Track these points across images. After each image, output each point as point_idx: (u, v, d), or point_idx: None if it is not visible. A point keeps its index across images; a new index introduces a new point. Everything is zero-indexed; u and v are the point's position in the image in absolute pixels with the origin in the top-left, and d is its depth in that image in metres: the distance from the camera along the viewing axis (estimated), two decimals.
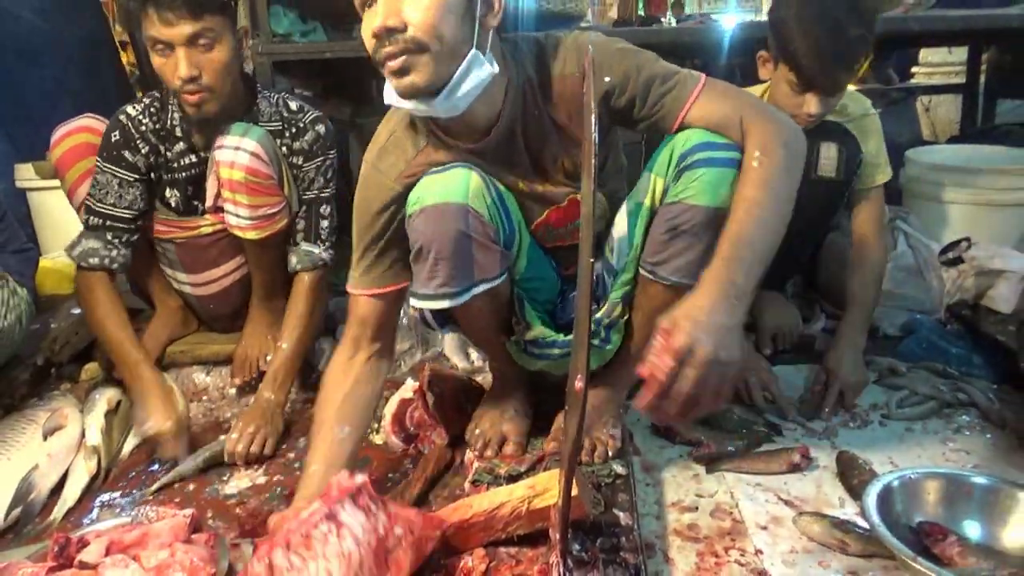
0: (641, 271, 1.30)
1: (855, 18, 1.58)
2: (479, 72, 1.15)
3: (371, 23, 1.10)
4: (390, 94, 1.18)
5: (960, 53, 4.01)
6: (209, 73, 1.58)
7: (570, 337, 1.35)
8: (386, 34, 1.08)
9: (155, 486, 1.46)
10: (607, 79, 1.20)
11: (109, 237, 1.71)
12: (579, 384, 0.70)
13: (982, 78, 3.74)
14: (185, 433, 1.59)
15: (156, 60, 1.59)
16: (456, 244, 1.22)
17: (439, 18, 1.08)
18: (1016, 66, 3.49)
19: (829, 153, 1.75)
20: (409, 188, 1.27)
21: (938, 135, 4.36)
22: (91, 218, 1.72)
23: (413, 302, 1.32)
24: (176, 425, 1.57)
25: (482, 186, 1.24)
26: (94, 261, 1.69)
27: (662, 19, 2.77)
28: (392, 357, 1.47)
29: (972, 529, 1.21)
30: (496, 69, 1.18)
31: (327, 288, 1.87)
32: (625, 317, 1.38)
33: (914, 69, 5.01)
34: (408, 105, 1.17)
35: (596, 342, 1.38)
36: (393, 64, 1.10)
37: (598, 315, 1.37)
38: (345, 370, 1.35)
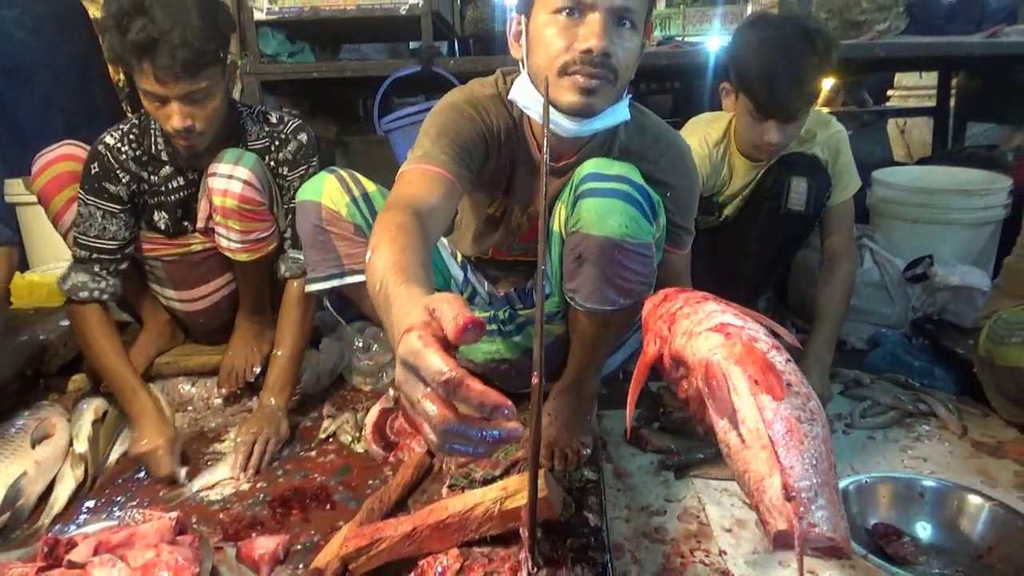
0: (566, 295, 1.38)
1: (810, 49, 1.66)
2: (619, 112, 1.28)
3: (587, 42, 1.16)
4: (525, 95, 1.28)
5: (933, 77, 4.14)
6: (201, 122, 1.60)
7: (488, 314, 1.52)
8: (596, 58, 1.17)
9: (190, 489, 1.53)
10: (668, 194, 1.37)
11: (97, 269, 1.72)
12: (535, 380, 0.76)
13: (952, 102, 3.87)
14: (175, 451, 1.60)
15: (148, 105, 1.59)
16: (314, 235, 1.42)
17: (633, 61, 1.24)
18: (984, 91, 3.62)
19: (799, 188, 1.81)
20: (496, 138, 1.35)
21: (912, 156, 4.48)
22: (78, 251, 1.73)
23: (306, 288, 1.49)
24: (167, 443, 1.59)
25: (339, 187, 1.40)
26: (84, 295, 1.70)
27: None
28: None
29: (923, 530, 1.28)
30: (628, 116, 1.31)
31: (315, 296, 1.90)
32: (561, 331, 1.49)
33: (889, 92, 5.16)
34: (567, 121, 1.23)
35: (510, 328, 1.51)
36: (589, 84, 1.18)
37: (524, 312, 1.51)
38: (417, 223, 1.07)
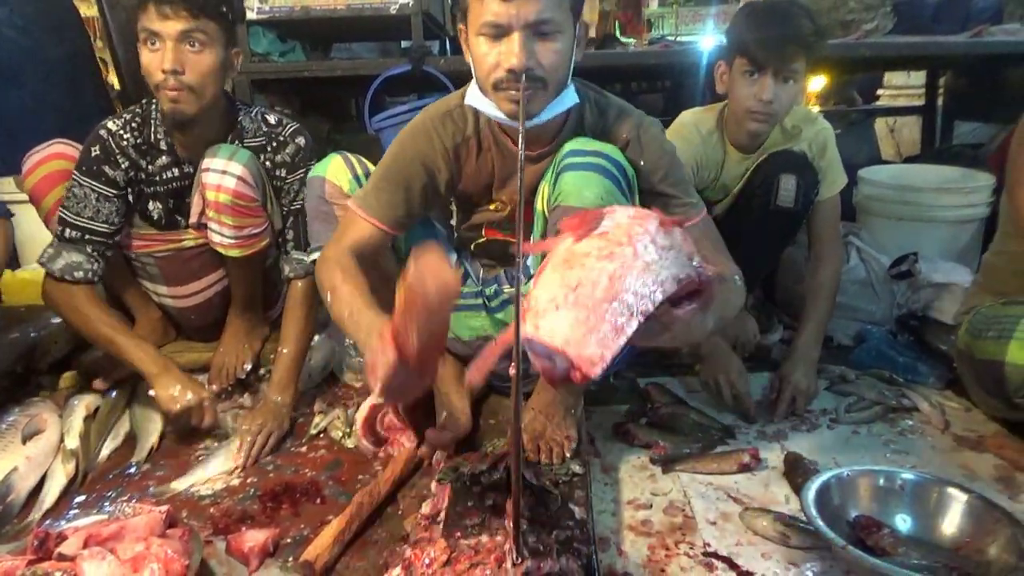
0: None
1: (803, 11, 1.75)
2: (566, 100, 1.34)
3: (509, 62, 1.23)
4: (479, 101, 1.35)
5: (922, 76, 4.18)
6: (192, 72, 1.61)
7: (476, 289, 1.56)
8: (520, 75, 1.23)
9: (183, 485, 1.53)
10: (642, 163, 1.41)
11: (89, 250, 1.72)
12: (512, 371, 0.79)
13: (940, 101, 3.91)
14: (227, 399, 1.70)
15: (145, 56, 1.62)
16: (318, 207, 1.55)
17: (563, 61, 1.28)
18: (971, 90, 3.66)
19: (788, 185, 1.83)
20: (444, 158, 1.45)
21: (902, 154, 4.52)
22: (67, 231, 1.71)
23: (310, 258, 1.58)
24: (208, 393, 1.66)
25: (344, 165, 1.53)
26: (79, 275, 1.70)
27: (623, 39, 2.88)
28: None
29: (903, 522, 1.30)
30: (577, 99, 1.37)
31: (318, 294, 1.91)
32: None
33: (879, 91, 5.20)
34: (505, 120, 1.33)
35: (494, 304, 1.55)
36: (519, 97, 1.24)
37: (509, 290, 1.55)
38: (357, 267, 1.39)
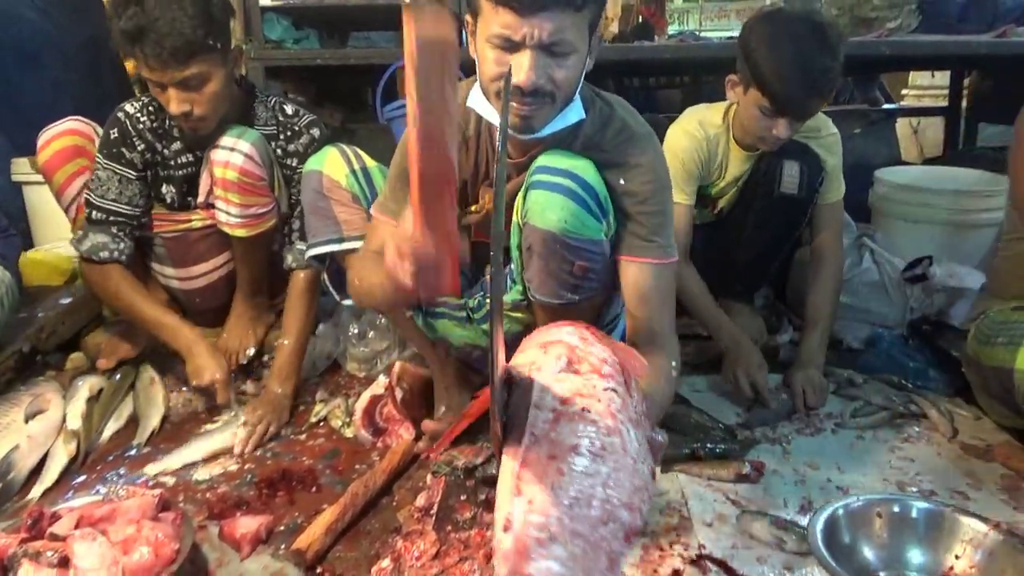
0: (525, 284, 1.38)
1: (827, 49, 1.66)
2: (570, 116, 1.29)
3: (516, 77, 1.17)
4: (480, 104, 1.31)
5: (947, 77, 4.10)
6: (200, 106, 1.65)
7: (460, 301, 1.51)
8: (527, 91, 1.19)
9: (158, 469, 1.54)
10: (622, 181, 1.32)
11: (115, 231, 1.78)
12: (487, 395, 0.75)
13: (965, 102, 3.84)
14: (232, 382, 1.73)
15: (152, 90, 1.68)
16: (315, 202, 1.53)
17: (574, 77, 1.23)
18: (996, 92, 3.58)
19: (791, 171, 1.82)
20: None
21: (925, 156, 4.44)
22: (94, 212, 1.78)
23: (308, 253, 1.57)
24: (225, 376, 1.70)
25: (340, 158, 1.52)
26: (104, 255, 1.77)
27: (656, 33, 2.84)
28: None
29: (915, 555, 1.22)
30: (584, 115, 1.31)
31: (320, 285, 1.90)
32: (530, 321, 1.45)
33: (904, 91, 5.12)
34: (515, 132, 1.28)
35: (477, 316, 1.52)
36: (523, 111, 1.22)
37: (472, 302, 1.51)
38: None
